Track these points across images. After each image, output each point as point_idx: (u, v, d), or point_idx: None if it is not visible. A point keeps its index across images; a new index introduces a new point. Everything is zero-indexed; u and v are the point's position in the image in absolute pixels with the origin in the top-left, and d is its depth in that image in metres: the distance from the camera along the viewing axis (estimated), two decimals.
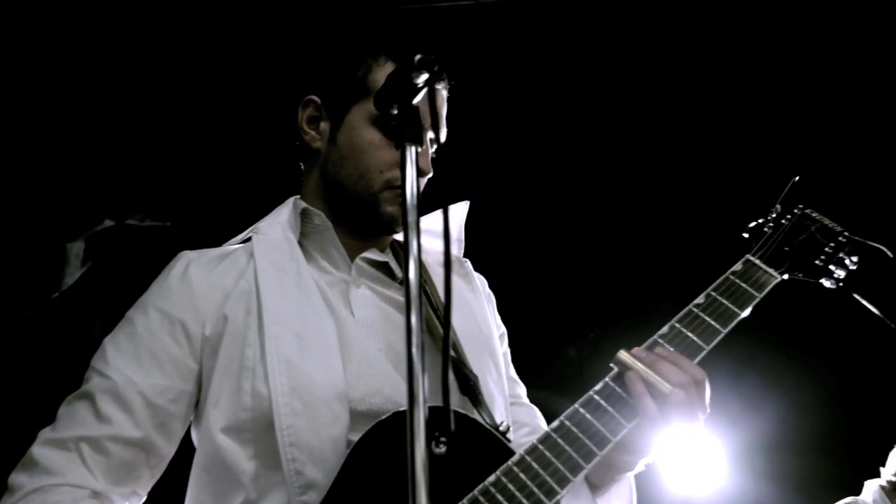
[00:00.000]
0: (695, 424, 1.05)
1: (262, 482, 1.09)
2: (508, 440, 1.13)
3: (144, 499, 1.20)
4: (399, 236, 1.34)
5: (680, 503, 2.53)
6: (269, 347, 1.12)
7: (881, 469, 2.08)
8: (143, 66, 2.58)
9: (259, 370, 1.12)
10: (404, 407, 0.78)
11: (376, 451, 1.04)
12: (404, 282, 0.83)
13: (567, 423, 1.03)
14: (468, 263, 1.41)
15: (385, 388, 1.14)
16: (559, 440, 1.01)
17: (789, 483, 2.11)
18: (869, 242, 1.24)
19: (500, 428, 1.14)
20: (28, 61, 2.47)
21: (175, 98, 2.66)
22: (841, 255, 1.25)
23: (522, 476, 0.99)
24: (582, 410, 1.05)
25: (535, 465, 0.99)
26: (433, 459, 0.76)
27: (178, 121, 2.70)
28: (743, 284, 1.17)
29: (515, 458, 1.02)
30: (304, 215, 1.28)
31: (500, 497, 0.98)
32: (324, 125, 1.30)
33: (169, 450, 1.19)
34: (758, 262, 1.21)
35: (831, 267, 1.24)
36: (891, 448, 2.03)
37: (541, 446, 1.01)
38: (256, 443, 1.11)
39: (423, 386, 0.78)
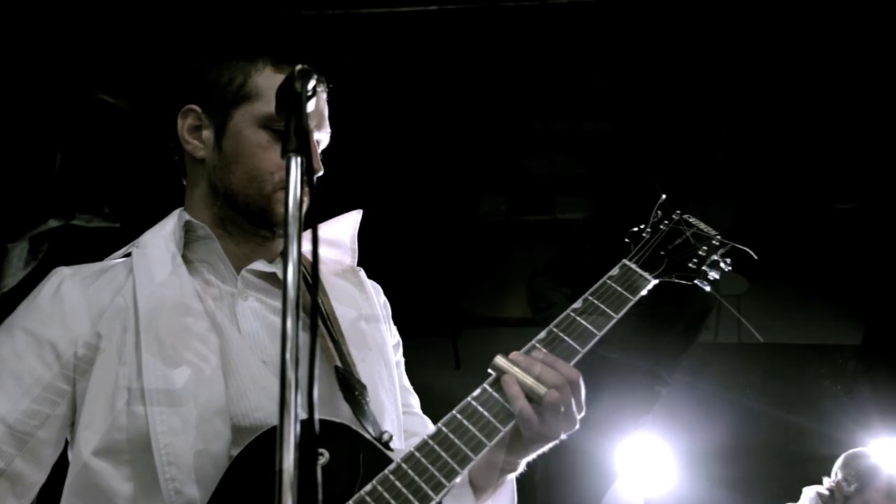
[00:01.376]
0: (571, 424, 1.09)
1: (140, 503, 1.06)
2: (391, 449, 1.13)
3: None
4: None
5: None
6: (145, 365, 1.09)
7: (824, 478, 2.12)
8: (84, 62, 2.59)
9: (135, 388, 1.08)
10: None
11: (253, 465, 1.03)
12: (282, 288, 0.79)
13: (444, 429, 1.05)
14: (362, 272, 1.40)
15: (268, 403, 1.11)
16: (436, 447, 1.03)
17: (738, 488, 2.13)
18: (738, 245, 1.29)
19: (383, 438, 1.13)
20: None
21: (125, 94, 2.65)
22: (715, 257, 1.29)
23: (398, 484, 1.00)
24: (459, 416, 1.06)
25: (411, 472, 1.01)
26: (311, 472, 0.74)
27: (127, 119, 2.68)
28: (618, 288, 1.21)
29: (392, 466, 1.02)
30: (187, 227, 1.25)
31: None
32: (206, 133, 1.26)
33: (38, 477, 1.15)
34: (633, 266, 1.25)
35: (705, 269, 1.29)
36: (834, 459, 2.09)
37: (417, 453, 1.02)
38: (133, 464, 1.07)
39: (295, 396, 0.74)
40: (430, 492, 0.99)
